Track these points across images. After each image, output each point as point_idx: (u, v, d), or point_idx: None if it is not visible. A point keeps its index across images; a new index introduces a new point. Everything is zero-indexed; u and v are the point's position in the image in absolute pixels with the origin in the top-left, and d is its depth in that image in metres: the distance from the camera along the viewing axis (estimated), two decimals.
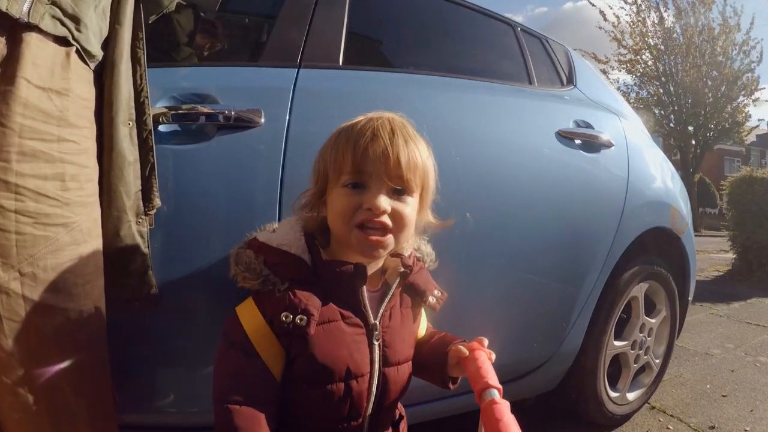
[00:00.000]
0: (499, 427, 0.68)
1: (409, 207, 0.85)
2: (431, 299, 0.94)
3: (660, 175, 2.11)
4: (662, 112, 19.10)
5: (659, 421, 2.14)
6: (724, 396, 2.49)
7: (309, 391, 0.83)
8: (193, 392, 1.15)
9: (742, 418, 2.21)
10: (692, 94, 18.03)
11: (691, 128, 18.82)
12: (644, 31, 18.37)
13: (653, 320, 2.10)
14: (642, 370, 2.16)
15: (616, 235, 1.72)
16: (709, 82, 18.03)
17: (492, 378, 0.78)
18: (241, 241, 0.90)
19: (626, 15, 18.68)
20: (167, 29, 1.63)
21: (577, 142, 1.69)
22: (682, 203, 2.23)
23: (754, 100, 18.23)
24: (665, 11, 18.19)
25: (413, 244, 0.98)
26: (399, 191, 0.84)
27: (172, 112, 1.11)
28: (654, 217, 1.96)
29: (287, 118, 1.18)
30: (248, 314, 0.83)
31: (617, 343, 1.91)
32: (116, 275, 0.99)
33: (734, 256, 6.74)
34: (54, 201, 0.87)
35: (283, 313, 0.78)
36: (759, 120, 23.31)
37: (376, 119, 0.85)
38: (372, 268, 0.90)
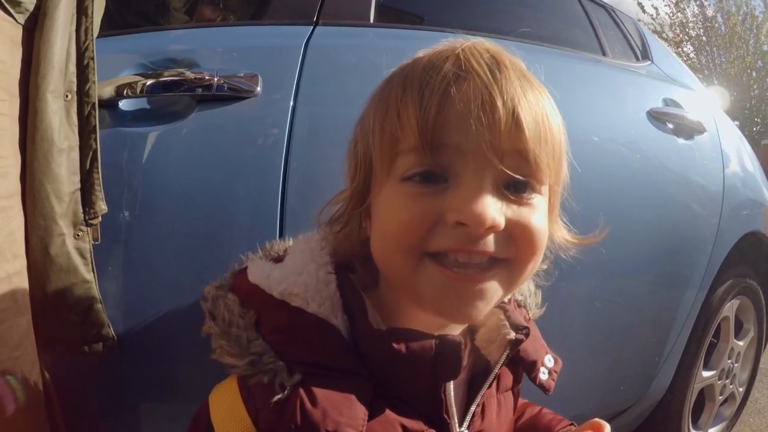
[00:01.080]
0: None
1: (539, 214, 0.45)
2: (542, 373, 0.56)
3: (750, 166, 1.77)
4: None
5: None
6: None
7: None
8: None
9: None
10: (737, 86, 17.22)
11: (736, 123, 18.06)
12: (684, 21, 17.72)
13: (741, 343, 1.78)
14: (724, 400, 1.83)
15: (715, 241, 1.38)
16: (754, 74, 17.27)
17: None
18: (227, 273, 0.53)
19: (665, 6, 18.11)
20: None
21: (670, 125, 1.34)
22: None
23: None
24: (705, 0, 17.51)
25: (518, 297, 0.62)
26: (518, 184, 0.44)
27: (150, 81, 0.81)
28: (750, 219, 1.64)
29: (295, 86, 0.85)
30: (227, 412, 0.46)
31: (705, 374, 1.59)
32: (50, 310, 0.71)
33: None
34: None
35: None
36: None
37: (461, 44, 0.45)
38: (455, 329, 0.52)
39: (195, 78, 0.80)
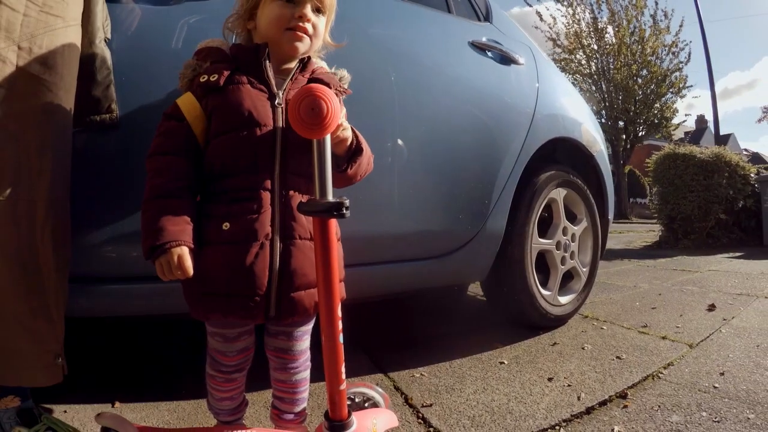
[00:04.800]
0: None
1: (321, 23, 1.10)
2: (334, 90, 1.04)
3: (571, 100, 2.42)
4: (594, 108, 19.91)
5: (593, 324, 2.40)
6: (653, 308, 2.79)
7: (224, 141, 0.99)
8: None
9: (671, 320, 2.48)
10: (623, 91, 19.00)
11: (621, 123, 19.90)
12: (579, 31, 19.24)
13: (576, 227, 2.36)
14: (571, 277, 2.41)
15: (528, 132, 1.99)
16: (639, 80, 19.05)
17: None
18: None
19: (562, 17, 19.69)
20: None
21: (489, 54, 1.96)
22: (593, 128, 2.53)
23: (681, 97, 19.41)
24: (599, 13, 19.18)
25: (332, 71, 1.18)
26: (318, 10, 1.08)
27: None
28: (566, 128, 2.25)
29: None
30: (184, 98, 1.02)
31: (542, 240, 2.15)
32: (86, 85, 1.17)
33: (661, 228, 7.27)
34: None
35: (202, 76, 1.00)
36: (686, 115, 25.03)
37: None
38: (286, 64, 1.09)
39: None
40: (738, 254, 5.73)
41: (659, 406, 1.45)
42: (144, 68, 1.29)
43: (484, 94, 1.90)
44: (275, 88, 1.03)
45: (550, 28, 19.48)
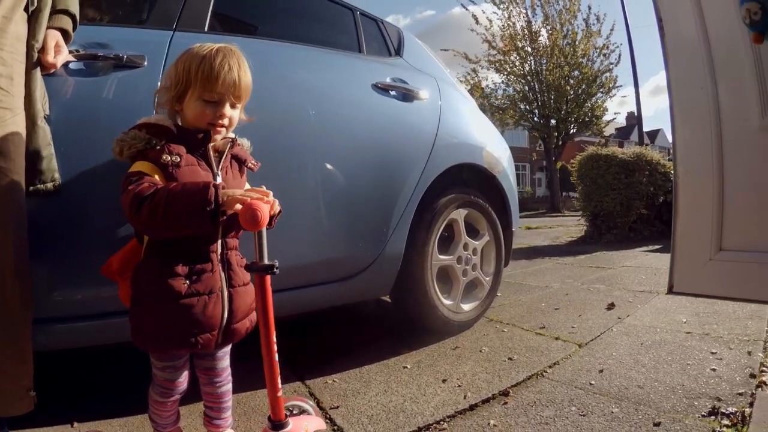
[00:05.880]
0: None
1: (237, 114, 1.28)
2: (250, 165, 1.37)
3: (474, 127, 2.66)
4: (527, 107, 21.14)
5: (496, 327, 2.62)
6: (556, 309, 3.02)
7: None
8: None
9: (569, 321, 2.71)
10: (555, 91, 20.02)
11: (553, 121, 20.96)
12: (513, 34, 20.10)
13: (477, 242, 2.58)
14: (474, 286, 2.63)
15: (428, 162, 2.21)
16: (571, 81, 20.08)
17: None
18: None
19: (498, 19, 20.49)
20: None
21: (392, 93, 2.18)
22: (498, 149, 2.77)
23: (611, 96, 20.55)
24: (533, 16, 20.13)
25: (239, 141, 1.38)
26: (233, 105, 1.26)
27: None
28: (467, 154, 2.48)
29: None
30: (139, 164, 1.16)
31: (442, 257, 2.38)
32: (32, 160, 1.31)
33: (586, 224, 7.70)
34: (4, 92, 1.22)
35: (164, 156, 1.15)
36: (615, 113, 26.48)
37: (229, 54, 1.23)
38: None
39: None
40: (656, 247, 6.15)
41: (535, 402, 1.65)
42: (80, 135, 1.45)
43: (385, 132, 2.11)
44: (216, 168, 1.24)
45: (486, 30, 20.14)
